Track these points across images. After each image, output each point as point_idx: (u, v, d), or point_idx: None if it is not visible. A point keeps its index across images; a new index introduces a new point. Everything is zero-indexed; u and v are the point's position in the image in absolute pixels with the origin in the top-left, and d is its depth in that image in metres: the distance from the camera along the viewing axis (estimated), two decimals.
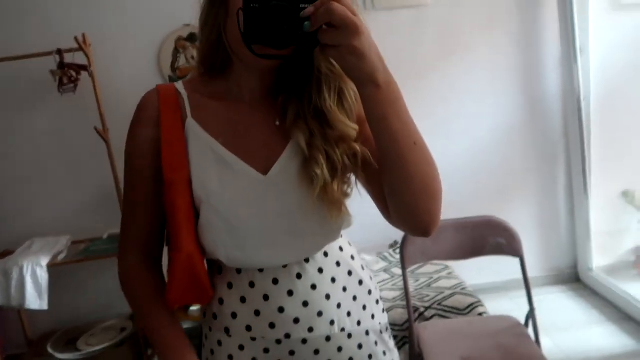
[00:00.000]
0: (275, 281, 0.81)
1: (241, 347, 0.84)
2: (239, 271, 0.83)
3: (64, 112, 2.34)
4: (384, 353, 0.90)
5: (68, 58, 2.15)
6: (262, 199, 0.79)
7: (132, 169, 0.84)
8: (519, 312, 1.71)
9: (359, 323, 0.86)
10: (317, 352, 0.83)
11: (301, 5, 0.62)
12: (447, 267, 2.22)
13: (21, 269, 2.06)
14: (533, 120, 2.61)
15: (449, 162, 2.50)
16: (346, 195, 0.81)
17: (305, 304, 0.82)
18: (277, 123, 0.80)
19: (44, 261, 2.12)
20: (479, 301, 1.91)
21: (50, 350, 2.30)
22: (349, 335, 0.85)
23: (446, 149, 2.46)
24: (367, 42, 0.62)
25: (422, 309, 1.88)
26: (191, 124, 0.80)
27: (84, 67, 2.16)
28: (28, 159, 2.39)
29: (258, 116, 0.81)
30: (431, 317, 1.86)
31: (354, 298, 0.87)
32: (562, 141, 2.64)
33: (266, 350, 0.84)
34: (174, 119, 0.80)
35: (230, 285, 0.84)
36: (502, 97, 2.57)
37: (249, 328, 0.83)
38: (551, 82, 2.58)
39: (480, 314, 1.84)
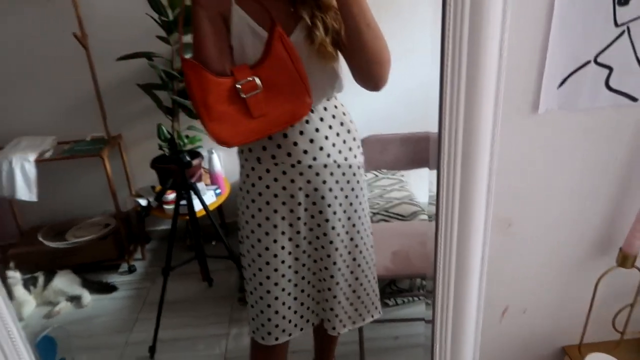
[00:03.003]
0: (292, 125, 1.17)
1: (267, 170, 1.23)
2: None
3: (44, 16, 2.43)
4: (357, 182, 1.32)
5: None
6: None
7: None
8: None
9: (345, 158, 1.26)
10: (317, 174, 1.23)
11: None
12: (400, 182, 2.47)
13: (10, 162, 2.29)
14: None
15: (416, 83, 2.67)
16: (336, 54, 1.15)
17: (311, 140, 1.20)
18: (292, 9, 1.14)
19: (32, 156, 2.35)
20: (422, 210, 2.17)
21: (40, 239, 2.59)
22: (338, 166, 1.25)
23: (414, 69, 2.61)
24: None
25: (370, 215, 2.14)
26: (235, 7, 1.12)
27: None
28: (13, 62, 2.52)
29: (278, 5, 1.13)
30: (378, 222, 2.13)
31: (344, 141, 1.26)
32: None
33: (284, 173, 1.22)
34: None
35: None
36: None
37: (273, 157, 1.21)
38: None
39: (421, 220, 2.11)
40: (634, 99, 0.78)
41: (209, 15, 1.07)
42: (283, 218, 1.28)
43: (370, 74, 1.11)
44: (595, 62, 0.76)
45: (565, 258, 0.92)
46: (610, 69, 0.77)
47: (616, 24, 0.74)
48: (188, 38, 1.98)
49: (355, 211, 1.34)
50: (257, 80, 1.06)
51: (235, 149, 1.40)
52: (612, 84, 0.78)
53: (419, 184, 2.71)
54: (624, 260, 0.89)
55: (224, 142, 1.10)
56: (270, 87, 1.08)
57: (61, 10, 2.37)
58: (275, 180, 1.24)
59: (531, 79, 0.77)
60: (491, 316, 0.95)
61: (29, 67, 2.54)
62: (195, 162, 2.44)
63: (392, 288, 2.24)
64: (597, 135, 0.81)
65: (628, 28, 0.73)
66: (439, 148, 0.80)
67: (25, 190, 2.33)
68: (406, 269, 1.77)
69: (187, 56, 1.06)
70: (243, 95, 1.06)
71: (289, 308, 1.37)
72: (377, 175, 2.55)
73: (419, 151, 1.88)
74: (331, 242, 1.32)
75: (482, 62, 0.71)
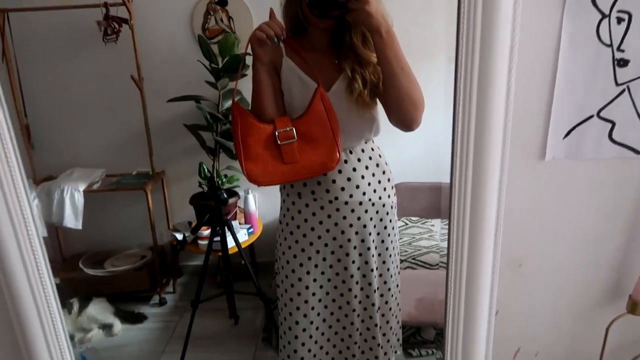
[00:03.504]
0: None
1: (307, 205, 1.35)
2: None
3: (106, 59, 2.72)
4: (390, 221, 1.42)
5: (112, 11, 2.51)
6: None
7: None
8: None
9: (379, 198, 1.37)
10: (352, 211, 1.34)
11: None
12: (430, 231, 2.52)
13: (62, 191, 2.50)
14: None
15: (446, 135, 2.77)
16: (374, 103, 1.29)
17: (348, 179, 1.32)
18: (336, 62, 1.28)
19: (82, 187, 2.56)
20: None
21: (81, 266, 2.77)
22: (373, 204, 1.36)
23: (444, 123, 2.72)
24: (374, 8, 1.09)
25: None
26: (286, 59, 1.29)
27: (125, 21, 2.52)
28: (74, 99, 2.80)
29: (324, 58, 1.29)
30: (405, 269, 2.18)
31: (378, 181, 1.37)
32: None
33: (322, 208, 1.34)
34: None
35: None
36: None
37: (313, 192, 1.34)
38: None
39: None
40: (637, 152, 0.85)
41: (267, 69, 1.25)
42: (318, 252, 1.37)
43: (404, 115, 1.24)
44: (598, 116, 0.84)
45: (575, 301, 0.96)
46: (613, 123, 0.85)
47: (617, 83, 0.82)
48: (232, 84, 2.17)
49: (387, 249, 1.42)
50: (294, 131, 1.22)
51: (270, 191, 1.52)
52: (615, 137, 0.85)
53: None
54: (634, 307, 0.92)
55: (254, 180, 1.26)
56: (305, 139, 1.24)
57: (122, 55, 2.64)
58: (314, 214, 1.35)
59: (538, 129, 0.86)
60: (504, 358, 0.99)
61: (87, 104, 2.81)
62: (231, 200, 2.59)
63: (417, 338, 2.25)
64: (604, 184, 0.88)
65: (628, 87, 0.82)
66: (450, 192, 0.88)
67: (72, 218, 2.52)
68: (430, 316, 1.81)
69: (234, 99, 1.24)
70: (279, 142, 1.22)
71: (316, 342, 1.44)
72: (406, 224, 2.62)
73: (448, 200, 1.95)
74: (364, 276, 1.40)
75: (490, 113, 0.81)
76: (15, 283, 0.90)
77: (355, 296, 1.41)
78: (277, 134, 1.22)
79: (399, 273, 1.50)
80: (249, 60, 1.30)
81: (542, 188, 0.89)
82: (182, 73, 2.72)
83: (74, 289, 2.69)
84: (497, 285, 0.92)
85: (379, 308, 1.45)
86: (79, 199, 2.54)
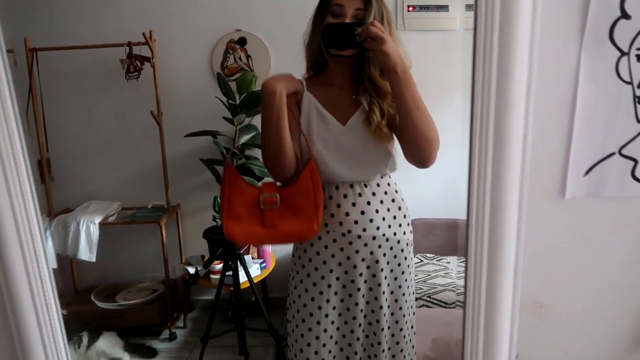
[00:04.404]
0: (345, 196, 1.30)
1: (319, 238, 1.32)
2: (322, 188, 1.29)
3: (127, 96, 2.78)
4: (405, 258, 1.38)
5: (135, 50, 2.59)
6: (341, 139, 1.29)
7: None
8: None
9: (394, 233, 1.34)
10: (365, 245, 1.31)
11: (355, 27, 1.15)
12: (446, 268, 2.46)
13: (78, 223, 2.51)
14: None
15: (463, 172, 2.74)
16: (391, 136, 1.30)
17: (362, 212, 1.30)
18: (354, 97, 1.30)
19: (97, 219, 2.57)
20: None
21: (93, 299, 2.75)
22: (387, 239, 1.33)
23: (461, 160, 2.69)
24: (390, 48, 1.12)
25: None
26: (307, 93, 1.32)
27: (147, 59, 2.58)
28: (94, 133, 2.86)
29: (342, 93, 1.32)
30: (420, 307, 2.12)
31: (394, 217, 1.35)
32: None
33: (334, 240, 1.32)
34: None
35: None
36: None
37: (326, 225, 1.31)
38: None
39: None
40: None
41: (288, 103, 1.25)
42: (329, 285, 1.34)
43: (419, 152, 1.25)
44: (620, 153, 0.82)
45: (602, 348, 0.91)
46: (636, 160, 0.82)
47: (638, 121, 0.80)
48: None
49: (400, 287, 1.38)
50: (277, 198, 1.25)
51: None
52: (638, 174, 0.83)
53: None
54: None
55: (231, 239, 1.27)
56: (287, 207, 1.26)
57: (142, 91, 2.70)
58: (326, 247, 1.33)
59: (557, 167, 0.84)
60: None
61: (107, 138, 2.86)
62: None
63: None
64: (628, 224, 0.85)
65: None
66: (467, 232, 0.86)
67: (86, 251, 2.53)
68: (445, 358, 1.74)
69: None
70: (262, 207, 1.25)
71: None
72: (422, 260, 2.56)
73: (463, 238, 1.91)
74: (373, 312, 1.36)
75: (507, 151, 0.79)
76: (23, 315, 0.89)
77: (364, 330, 1.38)
78: (261, 198, 1.25)
79: (414, 314, 1.45)
80: None
81: (563, 227, 0.86)
82: (200, 109, 2.76)
83: (85, 322, 2.66)
84: (517, 328, 0.88)
85: (389, 348, 1.40)
86: (95, 231, 2.54)
